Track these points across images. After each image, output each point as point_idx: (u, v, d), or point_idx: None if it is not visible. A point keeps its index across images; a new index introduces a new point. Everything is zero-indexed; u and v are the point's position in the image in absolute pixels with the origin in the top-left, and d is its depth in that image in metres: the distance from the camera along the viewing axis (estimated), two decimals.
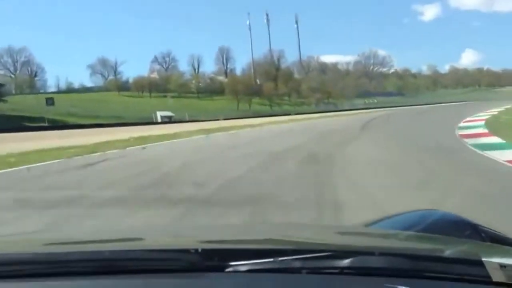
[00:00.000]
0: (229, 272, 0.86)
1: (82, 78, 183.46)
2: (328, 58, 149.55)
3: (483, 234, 1.23)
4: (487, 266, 0.81)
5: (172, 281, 0.87)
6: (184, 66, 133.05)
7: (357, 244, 1.15)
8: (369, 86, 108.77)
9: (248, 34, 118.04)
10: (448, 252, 0.93)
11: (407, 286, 0.80)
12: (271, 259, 0.87)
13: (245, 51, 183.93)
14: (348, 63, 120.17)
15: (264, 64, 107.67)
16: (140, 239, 1.31)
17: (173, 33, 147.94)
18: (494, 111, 27.11)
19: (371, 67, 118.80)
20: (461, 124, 17.93)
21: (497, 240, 1.21)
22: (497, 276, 0.80)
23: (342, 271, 0.85)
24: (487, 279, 0.80)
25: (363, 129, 20.30)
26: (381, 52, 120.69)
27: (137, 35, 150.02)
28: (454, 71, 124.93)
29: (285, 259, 0.86)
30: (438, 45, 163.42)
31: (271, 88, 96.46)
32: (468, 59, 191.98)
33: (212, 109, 77.22)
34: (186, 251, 0.93)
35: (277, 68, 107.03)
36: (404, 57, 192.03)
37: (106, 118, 61.11)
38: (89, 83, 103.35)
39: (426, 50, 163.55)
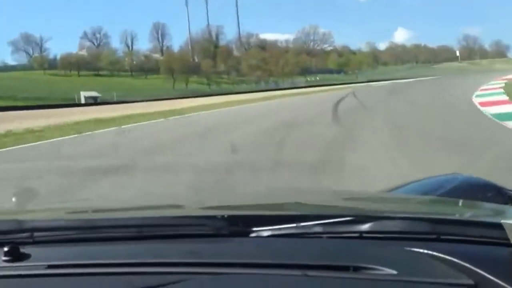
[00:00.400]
0: (252, 237, 0.91)
1: (3, 55, 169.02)
2: (267, 36, 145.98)
3: (506, 197, 1.23)
4: (506, 229, 0.79)
5: (199, 245, 0.92)
6: (117, 43, 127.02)
7: (377, 209, 1.17)
8: (310, 64, 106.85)
9: (185, 10, 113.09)
10: (467, 215, 0.96)
11: (425, 249, 0.81)
12: (293, 224, 0.90)
13: (182, 28, 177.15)
14: (287, 41, 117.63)
15: (202, 41, 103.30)
16: (169, 206, 1.36)
17: (105, 7, 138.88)
18: (491, 87, 19.57)
19: (312, 44, 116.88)
20: (484, 109, 12.14)
21: None
22: None
23: (362, 235, 0.87)
24: (505, 241, 0.79)
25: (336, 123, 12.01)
26: (321, 29, 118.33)
27: (65, 9, 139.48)
28: (392, 48, 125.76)
29: (307, 224, 0.89)
30: (373, 23, 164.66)
31: (210, 66, 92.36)
32: (401, 37, 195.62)
33: (146, 89, 72.80)
34: (213, 217, 0.99)
35: (216, 45, 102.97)
36: (342, 35, 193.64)
37: (25, 99, 55.03)
38: (11, 61, 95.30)
39: (362, 28, 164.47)
